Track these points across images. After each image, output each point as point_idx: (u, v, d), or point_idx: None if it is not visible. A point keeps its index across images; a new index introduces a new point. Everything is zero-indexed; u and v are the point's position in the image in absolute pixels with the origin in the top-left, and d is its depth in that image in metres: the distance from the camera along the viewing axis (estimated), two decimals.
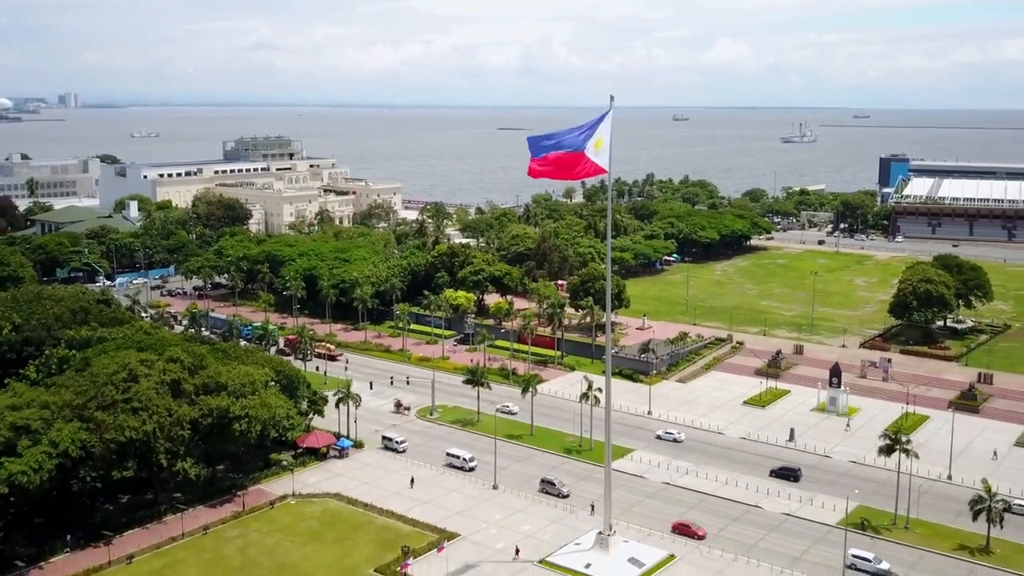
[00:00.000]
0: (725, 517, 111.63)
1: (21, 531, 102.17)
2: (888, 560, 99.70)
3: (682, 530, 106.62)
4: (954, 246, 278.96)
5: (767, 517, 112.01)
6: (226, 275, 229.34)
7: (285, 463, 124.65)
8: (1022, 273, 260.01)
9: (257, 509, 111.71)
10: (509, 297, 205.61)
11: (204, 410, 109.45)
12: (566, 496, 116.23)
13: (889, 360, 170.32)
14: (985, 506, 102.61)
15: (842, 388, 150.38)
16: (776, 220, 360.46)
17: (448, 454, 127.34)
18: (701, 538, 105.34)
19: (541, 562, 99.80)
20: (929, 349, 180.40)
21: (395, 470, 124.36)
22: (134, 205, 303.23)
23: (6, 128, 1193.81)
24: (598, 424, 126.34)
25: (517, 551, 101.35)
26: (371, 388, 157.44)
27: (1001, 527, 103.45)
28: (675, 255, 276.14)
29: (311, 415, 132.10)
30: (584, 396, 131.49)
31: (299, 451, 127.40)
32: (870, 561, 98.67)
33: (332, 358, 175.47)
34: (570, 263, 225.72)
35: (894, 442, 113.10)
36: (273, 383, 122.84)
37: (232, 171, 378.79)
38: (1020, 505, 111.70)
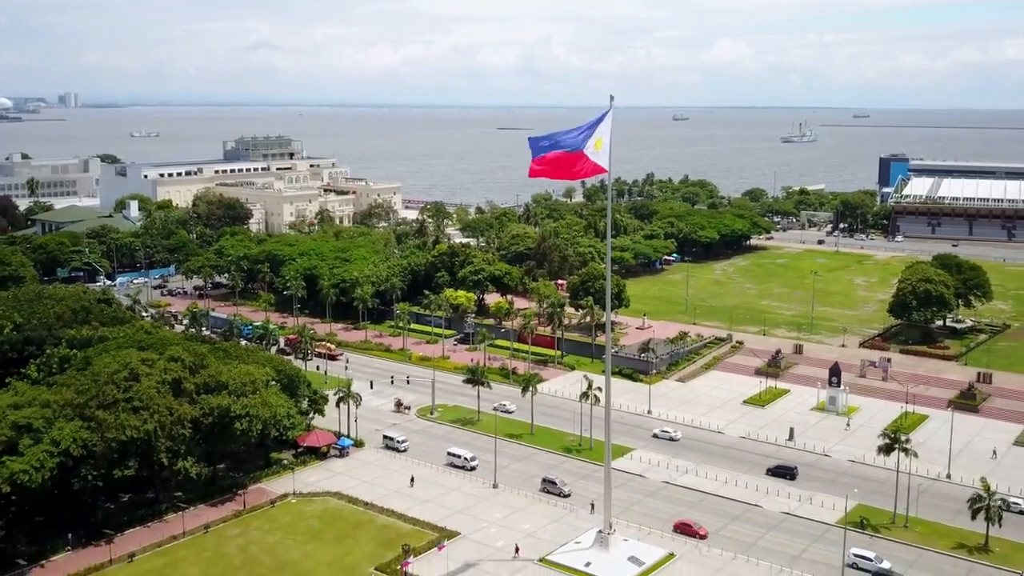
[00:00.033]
0: (725, 516, 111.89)
1: (22, 529, 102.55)
2: (887, 559, 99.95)
3: (684, 529, 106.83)
4: (954, 246, 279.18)
5: (766, 516, 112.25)
6: (226, 275, 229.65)
7: (286, 462, 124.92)
8: (1021, 273, 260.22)
9: (258, 508, 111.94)
10: (509, 297, 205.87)
11: (205, 409, 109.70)
12: (567, 495, 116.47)
13: (888, 360, 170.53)
14: (984, 505, 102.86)
15: (841, 387, 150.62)
16: (776, 220, 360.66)
17: (449, 453, 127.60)
18: (703, 537, 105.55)
19: (541, 560, 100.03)
20: (928, 349, 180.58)
21: (395, 469, 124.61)
22: (134, 205, 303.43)
23: (6, 128, 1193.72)
24: (598, 423, 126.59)
25: (517, 550, 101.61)
26: (371, 387, 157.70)
27: (1000, 526, 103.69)
28: (675, 255, 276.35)
29: (312, 414, 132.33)
30: (584, 395, 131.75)
31: (300, 450, 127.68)
32: (871, 560, 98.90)
33: (332, 357, 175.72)
34: (570, 263, 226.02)
35: (893, 441, 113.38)
36: (274, 382, 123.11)
37: (232, 171, 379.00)
38: (1016, 503, 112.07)
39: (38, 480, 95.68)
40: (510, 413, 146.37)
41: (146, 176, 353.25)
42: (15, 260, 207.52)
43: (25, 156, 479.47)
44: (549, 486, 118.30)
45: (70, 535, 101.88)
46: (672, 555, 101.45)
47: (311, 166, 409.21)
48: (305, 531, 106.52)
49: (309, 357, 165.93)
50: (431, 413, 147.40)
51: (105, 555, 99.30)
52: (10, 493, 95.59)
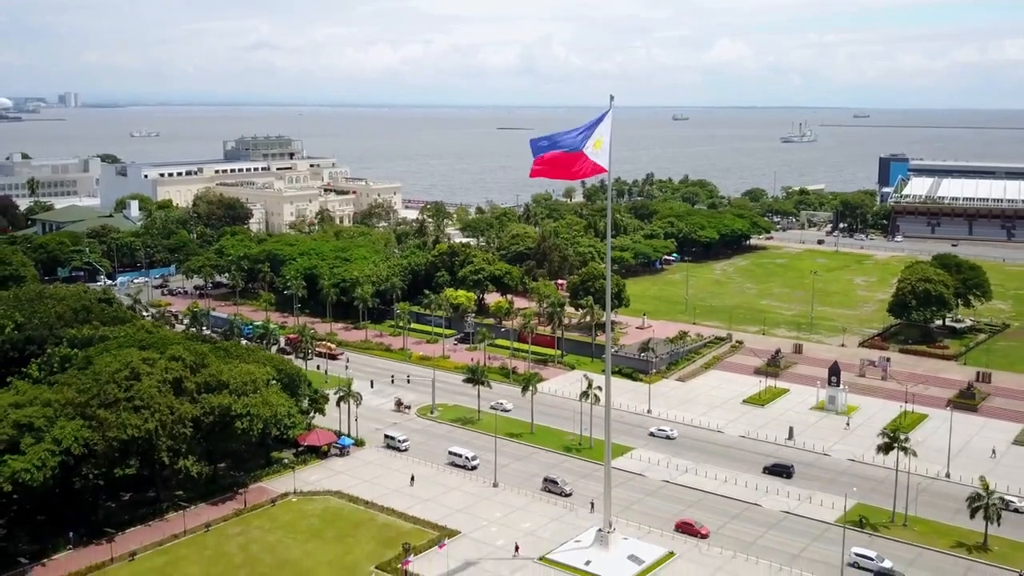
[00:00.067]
0: (724, 515, 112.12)
1: (24, 528, 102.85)
2: (887, 557, 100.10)
3: (685, 528, 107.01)
4: (953, 245, 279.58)
5: (766, 515, 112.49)
6: (227, 274, 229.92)
7: (286, 461, 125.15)
8: (1021, 272, 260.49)
9: (259, 507, 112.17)
10: (509, 296, 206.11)
11: (206, 408, 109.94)
12: (569, 495, 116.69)
13: (888, 359, 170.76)
14: (983, 504, 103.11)
15: (841, 387, 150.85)
16: (776, 220, 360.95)
17: (450, 452, 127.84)
18: (704, 537, 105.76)
19: (541, 559, 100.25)
20: (928, 348, 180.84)
21: (396, 468, 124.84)
22: (135, 204, 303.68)
23: (6, 128, 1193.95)
24: (598, 422, 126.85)
25: (517, 548, 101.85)
26: (372, 387, 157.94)
27: (999, 524, 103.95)
28: (675, 254, 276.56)
29: (312, 413, 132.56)
30: (584, 395, 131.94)
31: (300, 449, 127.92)
32: (873, 559, 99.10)
33: (333, 357, 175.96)
34: (570, 262, 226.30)
35: (893, 440, 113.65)
36: (274, 382, 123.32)
37: (232, 171, 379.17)
38: (1013, 502, 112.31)
39: (39, 479, 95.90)
40: (507, 411, 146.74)
41: (146, 176, 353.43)
42: (16, 260, 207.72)
43: (25, 156, 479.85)
44: (551, 485, 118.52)
45: (71, 534, 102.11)
46: (672, 554, 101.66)
47: (311, 166, 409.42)
48: (306, 530, 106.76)
49: (309, 356, 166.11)
50: (431, 412, 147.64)
51: (106, 554, 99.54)
52: (12, 492, 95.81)
